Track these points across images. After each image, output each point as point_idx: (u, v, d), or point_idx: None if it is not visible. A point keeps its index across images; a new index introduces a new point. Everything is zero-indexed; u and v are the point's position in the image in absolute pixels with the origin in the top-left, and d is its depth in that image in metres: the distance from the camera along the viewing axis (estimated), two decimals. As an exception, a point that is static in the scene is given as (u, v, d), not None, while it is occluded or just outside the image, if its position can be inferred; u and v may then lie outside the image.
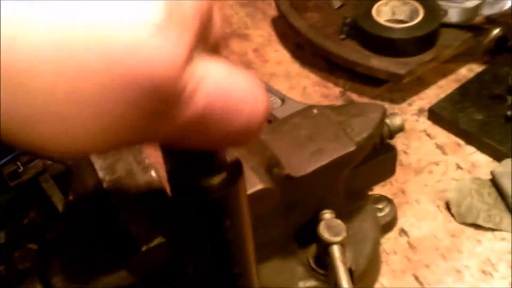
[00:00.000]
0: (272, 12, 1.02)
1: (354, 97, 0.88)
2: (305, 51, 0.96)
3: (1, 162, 0.89)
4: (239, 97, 0.26)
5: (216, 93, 0.25)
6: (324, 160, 0.55)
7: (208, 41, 0.27)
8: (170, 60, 0.23)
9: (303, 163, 0.54)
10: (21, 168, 0.93)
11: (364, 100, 0.87)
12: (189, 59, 0.24)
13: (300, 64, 0.94)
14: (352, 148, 0.56)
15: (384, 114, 0.61)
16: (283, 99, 0.83)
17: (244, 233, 0.38)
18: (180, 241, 0.39)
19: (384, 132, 0.64)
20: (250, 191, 0.43)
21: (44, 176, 0.94)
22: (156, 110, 0.23)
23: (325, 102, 0.87)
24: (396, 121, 0.64)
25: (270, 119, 0.81)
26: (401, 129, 0.65)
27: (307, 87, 0.90)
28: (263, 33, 1.01)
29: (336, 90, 0.89)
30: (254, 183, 0.44)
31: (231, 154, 0.35)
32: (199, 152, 0.33)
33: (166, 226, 0.39)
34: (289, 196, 0.55)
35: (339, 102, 0.87)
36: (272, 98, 0.84)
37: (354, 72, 0.86)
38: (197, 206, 0.34)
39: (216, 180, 0.34)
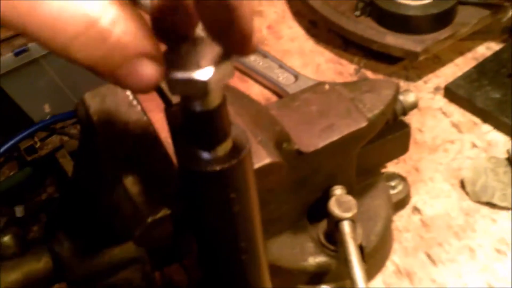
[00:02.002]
0: (287, -11, 1.01)
1: (369, 74, 0.87)
2: (320, 28, 0.95)
3: (18, 137, 0.90)
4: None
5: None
6: (335, 136, 0.54)
7: None
8: None
9: (313, 138, 0.54)
10: (38, 143, 0.93)
11: (379, 77, 0.86)
12: None
13: (314, 41, 0.93)
14: (363, 124, 0.55)
15: (397, 91, 0.60)
16: (296, 76, 0.83)
17: (250, 206, 0.37)
18: (185, 213, 0.39)
19: (397, 109, 0.63)
20: (258, 165, 0.43)
21: (61, 152, 0.94)
22: None
23: (340, 79, 0.86)
24: (410, 98, 0.64)
25: (281, 95, 0.81)
26: (414, 106, 0.64)
27: (321, 64, 0.89)
28: (277, 10, 1.00)
29: (351, 67, 0.88)
30: (262, 157, 0.44)
31: (238, 127, 0.35)
32: (206, 125, 0.32)
33: (172, 198, 0.39)
34: (299, 172, 0.54)
35: (353, 79, 0.85)
36: (285, 75, 0.83)
37: (369, 50, 0.85)
38: (203, 178, 0.34)
39: (222, 152, 0.34)
